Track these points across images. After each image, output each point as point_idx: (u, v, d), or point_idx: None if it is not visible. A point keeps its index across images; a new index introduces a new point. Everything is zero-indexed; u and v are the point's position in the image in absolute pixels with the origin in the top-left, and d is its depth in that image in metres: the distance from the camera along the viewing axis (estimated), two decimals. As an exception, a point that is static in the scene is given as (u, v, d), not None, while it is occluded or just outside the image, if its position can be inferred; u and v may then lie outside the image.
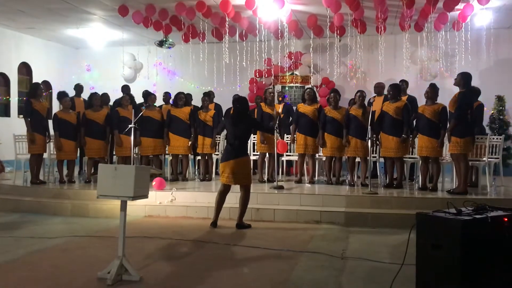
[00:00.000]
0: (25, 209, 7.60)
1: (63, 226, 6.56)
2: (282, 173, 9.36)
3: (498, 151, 7.96)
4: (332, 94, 8.35)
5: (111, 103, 9.76)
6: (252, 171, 9.05)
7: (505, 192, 7.56)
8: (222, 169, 6.24)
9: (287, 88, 12.43)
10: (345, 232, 6.07)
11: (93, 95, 8.91)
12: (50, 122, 8.57)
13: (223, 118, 10.11)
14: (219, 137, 9.16)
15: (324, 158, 8.57)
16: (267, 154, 8.61)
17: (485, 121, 9.85)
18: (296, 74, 12.26)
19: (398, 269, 3.45)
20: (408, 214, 6.00)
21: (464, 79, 6.93)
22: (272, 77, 12.02)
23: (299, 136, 8.45)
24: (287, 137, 8.97)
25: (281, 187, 7.70)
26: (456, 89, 7.10)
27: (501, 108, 10.74)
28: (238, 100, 6.39)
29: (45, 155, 8.70)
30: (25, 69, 12.46)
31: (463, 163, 6.97)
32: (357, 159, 8.23)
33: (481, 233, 3.12)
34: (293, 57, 11.89)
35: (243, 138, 6.29)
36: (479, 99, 8.17)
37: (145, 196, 4.18)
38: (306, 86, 11.22)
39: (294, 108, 8.92)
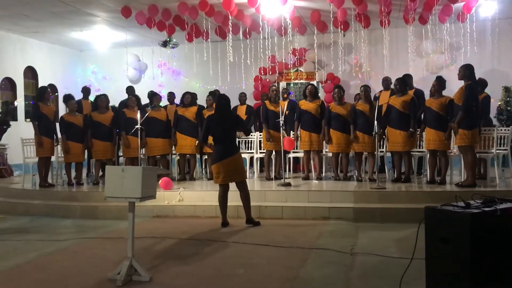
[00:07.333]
0: (34, 212, 7.65)
1: (72, 229, 6.62)
2: (289, 170, 9.36)
3: (507, 142, 7.90)
4: (336, 90, 8.33)
5: (116, 104, 9.79)
6: (259, 168, 9.13)
7: (514, 184, 7.51)
8: (217, 170, 6.21)
9: (292, 84, 12.39)
10: (353, 227, 6.06)
11: (99, 97, 8.94)
12: (57, 125, 8.61)
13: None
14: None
15: (330, 154, 8.56)
16: (273, 151, 8.61)
17: (493, 112, 9.77)
18: (300, 71, 12.22)
19: (408, 264, 3.44)
20: (416, 208, 5.92)
21: (468, 71, 6.87)
22: (277, 74, 11.99)
23: (303, 133, 8.43)
24: (294, 134, 8.95)
25: (288, 184, 7.70)
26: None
27: (508, 99, 10.63)
28: (219, 97, 6.48)
29: (53, 158, 8.73)
30: (30, 73, 12.53)
31: (470, 155, 6.92)
32: (364, 154, 8.20)
33: (490, 226, 3.10)
34: (297, 54, 11.84)
35: (232, 135, 6.35)
36: (486, 90, 8.11)
37: (153, 196, 4.20)
38: (309, 83, 11.18)
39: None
